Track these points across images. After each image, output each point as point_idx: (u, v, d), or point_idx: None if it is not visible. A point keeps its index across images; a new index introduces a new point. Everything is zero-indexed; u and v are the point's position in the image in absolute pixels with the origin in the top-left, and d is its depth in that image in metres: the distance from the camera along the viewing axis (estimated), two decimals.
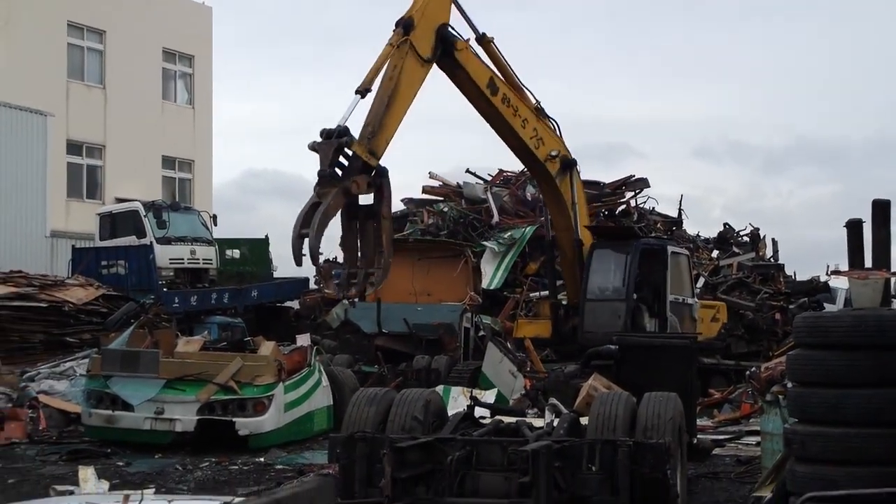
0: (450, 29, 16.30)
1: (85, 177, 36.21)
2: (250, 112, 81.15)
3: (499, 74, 17.49)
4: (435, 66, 16.41)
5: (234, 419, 15.03)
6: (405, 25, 15.42)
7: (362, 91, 14.78)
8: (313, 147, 14.08)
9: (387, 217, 14.70)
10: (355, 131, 14.69)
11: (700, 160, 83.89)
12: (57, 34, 35.30)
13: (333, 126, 14.24)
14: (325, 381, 16.32)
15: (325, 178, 13.91)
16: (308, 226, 13.66)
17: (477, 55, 17.00)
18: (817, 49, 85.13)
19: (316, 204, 13.80)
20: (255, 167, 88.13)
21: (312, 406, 15.95)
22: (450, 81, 17.17)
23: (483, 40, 17.41)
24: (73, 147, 35.71)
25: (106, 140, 36.67)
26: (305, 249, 14.18)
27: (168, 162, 39.22)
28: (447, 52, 16.20)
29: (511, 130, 17.74)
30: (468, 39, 16.82)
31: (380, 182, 14.50)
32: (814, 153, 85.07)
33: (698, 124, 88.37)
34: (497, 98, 17.16)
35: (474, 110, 17.64)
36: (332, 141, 13.97)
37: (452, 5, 16.66)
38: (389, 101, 14.97)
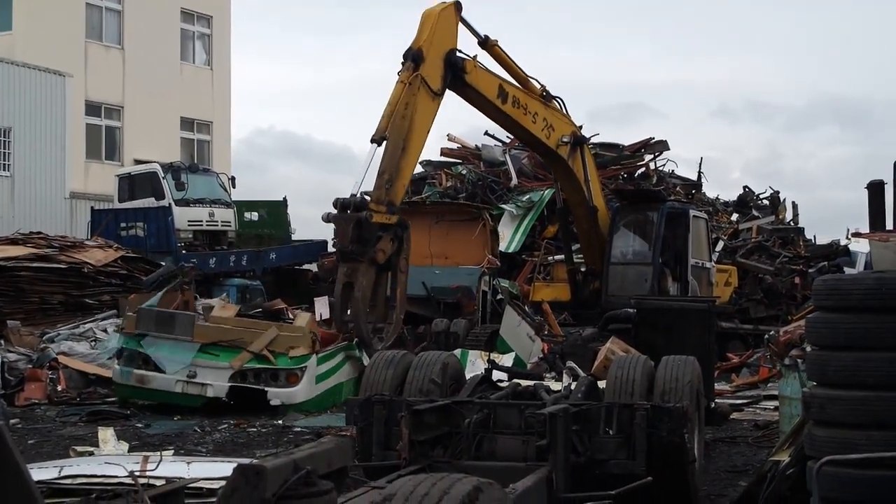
0: (457, 53, 15.57)
1: (104, 138, 36.24)
2: (261, 73, 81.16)
3: (505, 77, 16.94)
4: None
5: (266, 388, 15.02)
6: (414, 58, 14.67)
7: (378, 139, 14.12)
8: (329, 220, 13.53)
9: (403, 271, 14.16)
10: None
11: (720, 120, 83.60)
12: None
13: (346, 194, 13.63)
14: (358, 353, 16.05)
15: (349, 255, 13.36)
16: (347, 311, 13.26)
17: (483, 67, 16.30)
18: (840, 7, 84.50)
19: (348, 285, 13.32)
20: (262, 126, 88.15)
21: (341, 378, 15.88)
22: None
23: (487, 44, 16.70)
24: (92, 108, 35.73)
25: (124, 101, 36.68)
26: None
27: (186, 123, 39.23)
28: (457, 77, 15.49)
29: (522, 129, 17.34)
30: (475, 56, 16.07)
31: (401, 234, 13.98)
32: (835, 113, 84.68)
33: (718, 84, 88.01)
34: (508, 105, 16.55)
35: None
36: (350, 215, 13.31)
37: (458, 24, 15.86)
38: (405, 143, 14.32)
